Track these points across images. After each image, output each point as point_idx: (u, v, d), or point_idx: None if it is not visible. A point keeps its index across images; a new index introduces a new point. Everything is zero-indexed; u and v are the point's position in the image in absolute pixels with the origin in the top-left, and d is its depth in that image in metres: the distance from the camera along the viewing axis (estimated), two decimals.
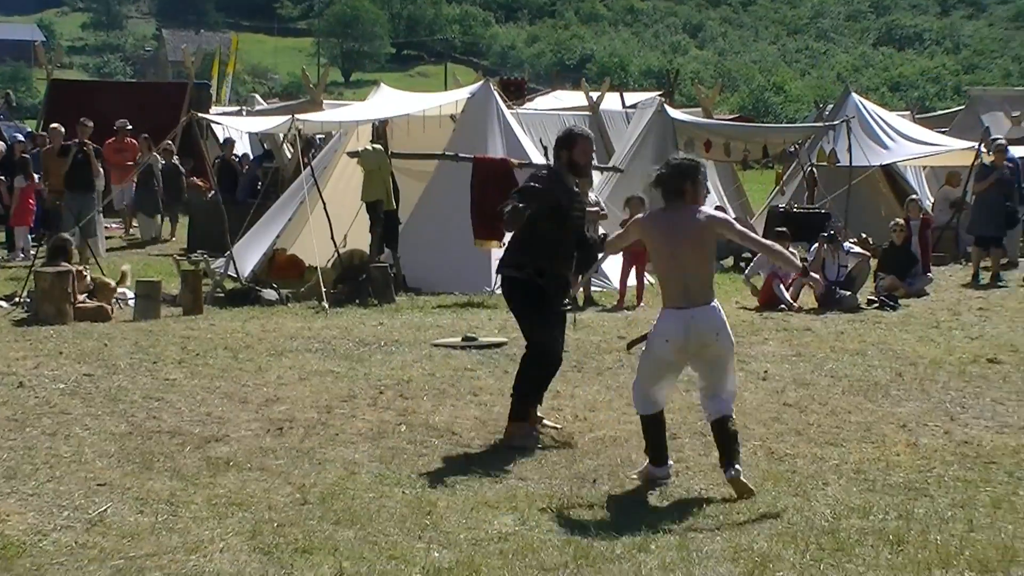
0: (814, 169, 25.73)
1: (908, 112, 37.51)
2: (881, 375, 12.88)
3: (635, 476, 8.85)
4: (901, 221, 20.13)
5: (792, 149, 26.52)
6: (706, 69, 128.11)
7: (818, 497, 8.42)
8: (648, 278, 18.89)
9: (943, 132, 29.94)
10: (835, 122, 25.59)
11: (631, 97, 32.91)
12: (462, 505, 8.13)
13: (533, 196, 9.72)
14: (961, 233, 24.00)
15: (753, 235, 8.97)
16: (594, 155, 10.69)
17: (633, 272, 18.60)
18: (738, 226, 9.03)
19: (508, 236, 10.30)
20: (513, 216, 9.63)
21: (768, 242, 8.93)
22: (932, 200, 27.43)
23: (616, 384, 12.05)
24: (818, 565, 7.03)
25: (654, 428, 8.85)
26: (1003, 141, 23.59)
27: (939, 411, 11.21)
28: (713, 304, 8.56)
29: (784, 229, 19.47)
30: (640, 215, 9.62)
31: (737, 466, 8.34)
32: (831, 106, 30.66)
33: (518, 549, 7.21)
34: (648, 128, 23.69)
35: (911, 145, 26.16)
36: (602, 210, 18.23)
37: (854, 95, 27.77)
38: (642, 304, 18.12)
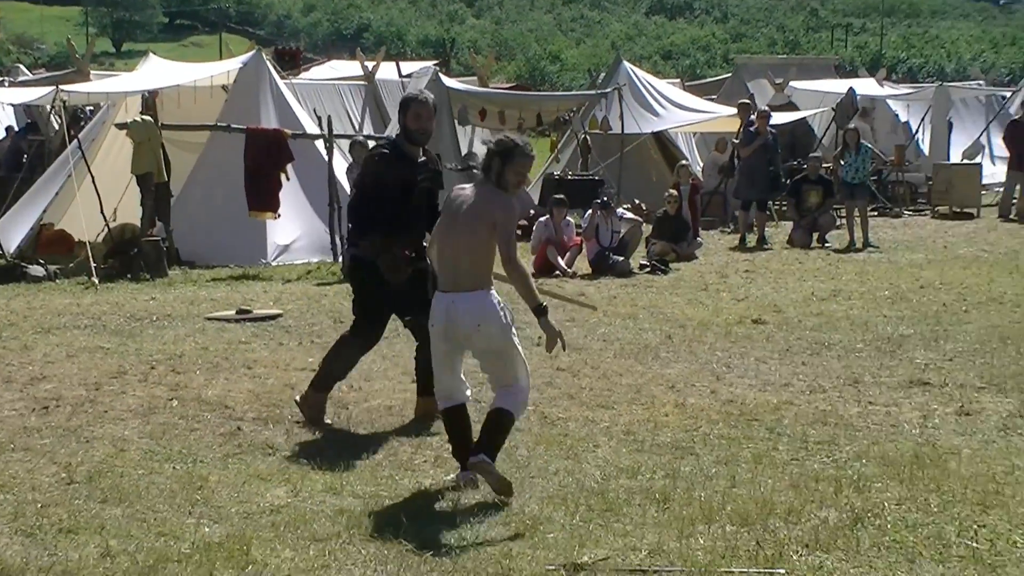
0: (587, 137, 26.02)
1: (679, 80, 38.19)
2: (651, 338, 13.15)
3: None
4: (675, 192, 20.51)
5: (566, 117, 26.77)
6: (483, 38, 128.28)
7: (589, 459, 8.57)
8: None
9: (712, 99, 30.61)
10: (607, 90, 25.93)
11: (408, 66, 32.74)
12: (234, 479, 8.04)
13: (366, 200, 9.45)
14: (729, 197, 24.58)
15: (510, 250, 7.71)
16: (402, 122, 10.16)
17: None
18: (508, 230, 7.82)
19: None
20: (393, 271, 9.26)
21: (515, 267, 7.68)
22: (702, 165, 28.03)
23: (392, 353, 11.99)
24: (587, 526, 7.15)
25: (449, 423, 8.14)
26: (766, 108, 24.30)
27: (706, 371, 11.49)
28: (480, 291, 7.75)
29: (561, 196, 19.67)
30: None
31: (484, 456, 7.63)
32: (603, 74, 31.03)
33: (290, 521, 7.17)
34: None
35: (681, 112, 26.64)
36: None
37: (625, 63, 28.11)
38: None
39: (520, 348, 7.91)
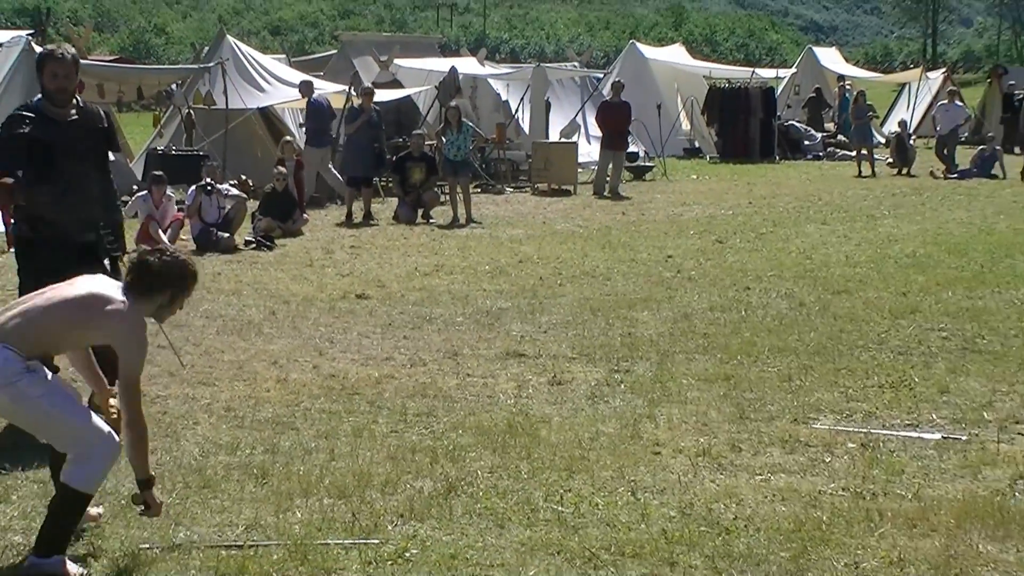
0: (192, 112, 25.59)
1: (285, 55, 37.93)
2: (255, 314, 13.08)
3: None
4: (283, 169, 20.40)
5: (169, 90, 26.24)
6: (83, 8, 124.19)
7: (188, 436, 8.49)
8: None
9: (318, 76, 30.54)
10: (210, 64, 25.54)
11: (1, 35, 31.29)
12: None
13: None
14: (337, 174, 24.61)
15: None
16: None
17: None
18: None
19: None
20: (4, 197, 8.34)
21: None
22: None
23: None
24: (184, 503, 7.08)
25: None
26: (370, 85, 24.48)
27: (309, 347, 11.51)
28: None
29: (160, 173, 19.27)
30: None
31: (34, 559, 6.06)
32: (207, 48, 30.52)
33: None
34: (15, 68, 22.64)
35: (286, 88, 26.46)
36: None
37: (230, 38, 27.71)
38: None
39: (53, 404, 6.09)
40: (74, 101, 8.48)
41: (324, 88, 25.68)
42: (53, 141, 8.25)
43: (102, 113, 8.85)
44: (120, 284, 6.27)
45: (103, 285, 6.24)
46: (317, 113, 23.67)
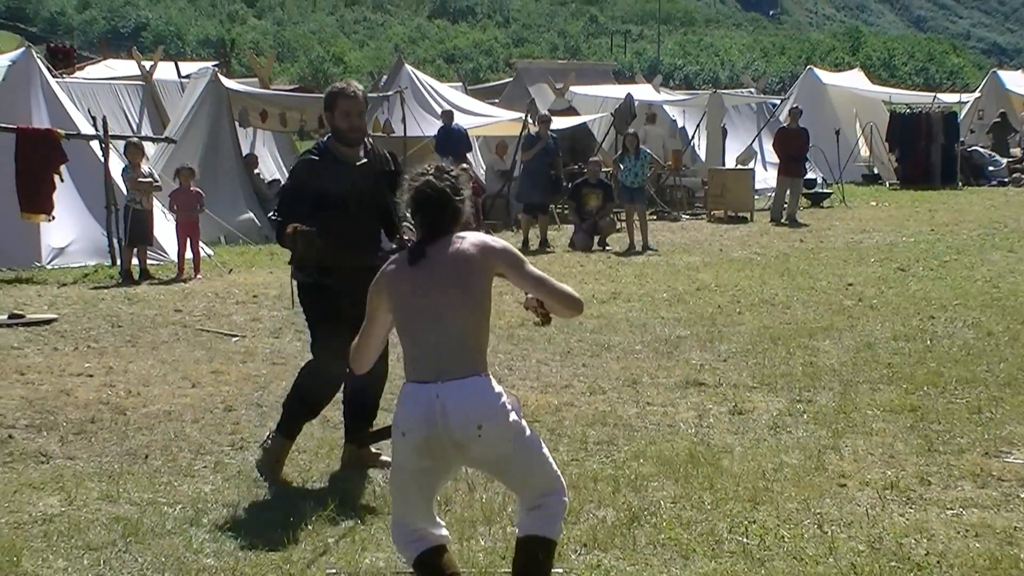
0: (371, 141, 25.95)
1: (461, 83, 38.34)
2: None
3: None
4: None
5: None
6: (264, 39, 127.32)
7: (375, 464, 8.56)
8: (205, 249, 18.75)
9: (494, 103, 30.81)
10: (388, 93, 25.94)
11: (187, 67, 32.16)
12: (3, 489, 7.84)
13: (287, 203, 7.98)
14: (511, 200, 24.79)
15: (546, 279, 5.71)
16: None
17: (188, 243, 18.32)
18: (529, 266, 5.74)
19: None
20: (302, 246, 7.71)
21: (559, 288, 5.61)
22: (484, 168, 28.23)
23: (171, 358, 11.88)
24: (370, 529, 7.15)
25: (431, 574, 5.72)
26: (547, 113, 24.61)
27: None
28: (477, 377, 5.48)
29: None
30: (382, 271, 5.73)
31: None
32: (386, 77, 30.97)
33: (63, 530, 7.02)
34: (202, 99, 23.29)
35: (463, 116, 26.75)
36: (156, 182, 18.00)
37: (407, 66, 28.17)
38: (199, 276, 17.87)
39: (541, 444, 5.82)
40: (364, 142, 8.26)
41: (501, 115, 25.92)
42: (343, 189, 7.92)
43: (388, 156, 8.50)
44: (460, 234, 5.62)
45: (467, 246, 5.56)
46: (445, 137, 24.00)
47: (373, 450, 8.30)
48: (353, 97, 8.02)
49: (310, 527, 7.12)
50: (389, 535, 6.95)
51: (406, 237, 7.56)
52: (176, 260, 18.43)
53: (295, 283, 8.35)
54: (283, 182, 25.00)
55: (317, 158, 8.08)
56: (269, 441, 8.24)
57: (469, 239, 5.59)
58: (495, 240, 5.73)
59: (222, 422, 9.76)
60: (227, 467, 8.48)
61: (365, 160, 8.14)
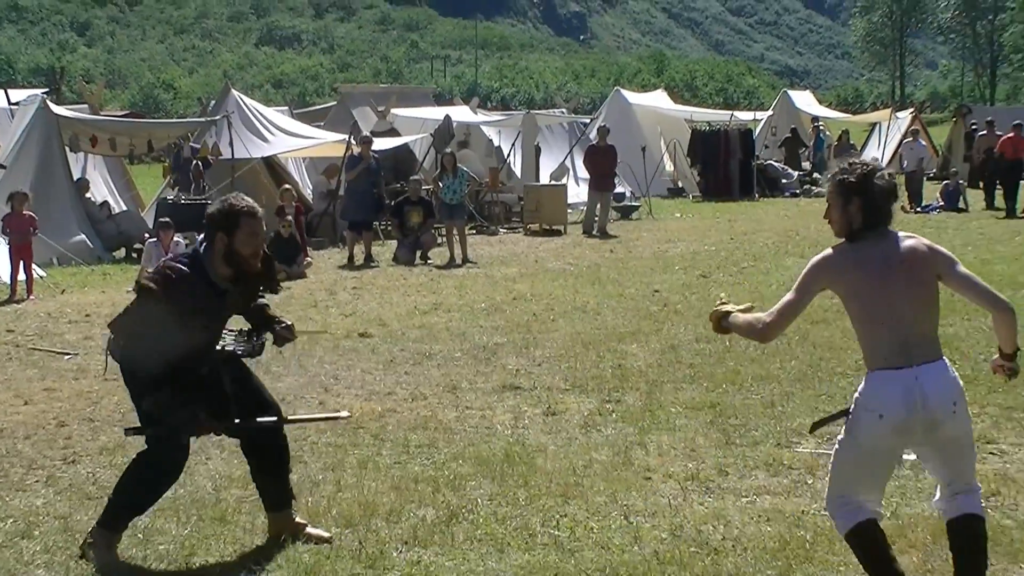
0: (199, 162, 25.61)
1: (287, 107, 37.98)
2: (264, 355, 13.00)
3: None
4: (290, 218, 20.51)
5: (179, 143, 26.28)
6: (96, 67, 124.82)
7: (201, 472, 8.44)
8: (38, 271, 18.30)
9: (319, 126, 30.59)
10: (216, 117, 25.62)
11: (17, 94, 31.27)
12: None
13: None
14: (337, 218, 24.66)
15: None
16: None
17: (22, 266, 17.85)
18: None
19: None
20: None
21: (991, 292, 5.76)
22: (311, 187, 28.06)
23: (3, 377, 11.66)
24: (199, 534, 7.09)
25: (867, 545, 5.88)
26: (368, 134, 24.56)
27: (315, 384, 11.50)
28: (943, 361, 5.77)
29: (166, 219, 19.28)
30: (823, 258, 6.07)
31: None
32: (213, 102, 30.56)
33: None
34: (31, 125, 22.73)
35: (289, 138, 26.53)
36: None
37: (234, 92, 27.78)
38: (32, 296, 17.44)
39: None
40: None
41: (326, 137, 25.80)
42: (210, 315, 6.71)
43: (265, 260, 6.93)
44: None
45: (914, 243, 5.82)
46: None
47: (299, 520, 7.09)
48: (257, 217, 6.62)
49: (140, 535, 7.02)
50: (219, 539, 6.95)
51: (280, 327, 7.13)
52: (9, 282, 17.95)
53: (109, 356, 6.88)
54: (114, 207, 24.77)
55: (189, 273, 6.53)
56: (91, 538, 6.74)
57: (913, 237, 5.88)
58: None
59: (54, 437, 9.57)
60: (59, 480, 8.33)
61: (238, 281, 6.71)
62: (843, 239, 6.00)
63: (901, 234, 5.88)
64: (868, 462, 5.80)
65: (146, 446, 6.76)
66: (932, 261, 5.78)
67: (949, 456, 5.85)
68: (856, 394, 5.79)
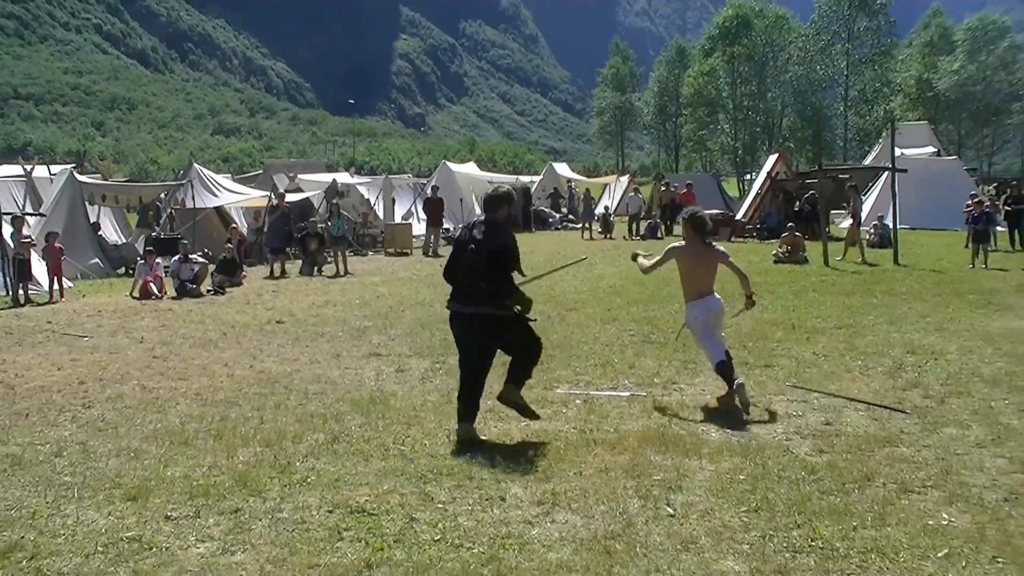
0: (172, 211, 24.75)
1: (230, 175, 36.79)
2: (213, 335, 12.65)
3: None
4: (230, 245, 19.92)
5: (160, 199, 25.32)
6: (107, 150, 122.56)
7: (172, 412, 8.17)
8: (67, 283, 17.37)
9: (252, 186, 29.70)
10: (183, 181, 24.74)
11: (55, 168, 29.62)
12: None
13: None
14: (263, 245, 24.02)
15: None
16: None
17: (56, 280, 16.93)
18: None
19: None
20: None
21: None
22: (246, 226, 27.25)
23: (44, 352, 10.93)
24: (169, 453, 6.85)
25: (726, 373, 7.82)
26: (283, 191, 23.99)
27: (247, 354, 11.17)
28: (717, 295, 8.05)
29: (151, 248, 18.61)
30: (675, 246, 8.06)
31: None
32: (182, 171, 29.33)
33: None
34: (63, 188, 21.27)
35: (231, 195, 25.61)
36: (33, 241, 16.51)
37: (196, 165, 26.52)
38: (63, 300, 16.54)
39: None
40: None
41: (255, 193, 25.04)
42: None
43: None
44: None
45: None
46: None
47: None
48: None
49: (145, 459, 6.73)
50: (184, 457, 6.68)
51: None
52: (48, 291, 17.07)
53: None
54: (117, 240, 23.71)
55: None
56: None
57: (712, 245, 8.12)
58: None
59: (76, 391, 9.12)
60: (79, 419, 7.95)
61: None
62: (684, 242, 8.00)
63: (712, 242, 7.98)
64: (703, 330, 7.89)
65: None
66: (718, 255, 7.92)
67: (715, 329, 7.90)
68: (685, 312, 8.03)
